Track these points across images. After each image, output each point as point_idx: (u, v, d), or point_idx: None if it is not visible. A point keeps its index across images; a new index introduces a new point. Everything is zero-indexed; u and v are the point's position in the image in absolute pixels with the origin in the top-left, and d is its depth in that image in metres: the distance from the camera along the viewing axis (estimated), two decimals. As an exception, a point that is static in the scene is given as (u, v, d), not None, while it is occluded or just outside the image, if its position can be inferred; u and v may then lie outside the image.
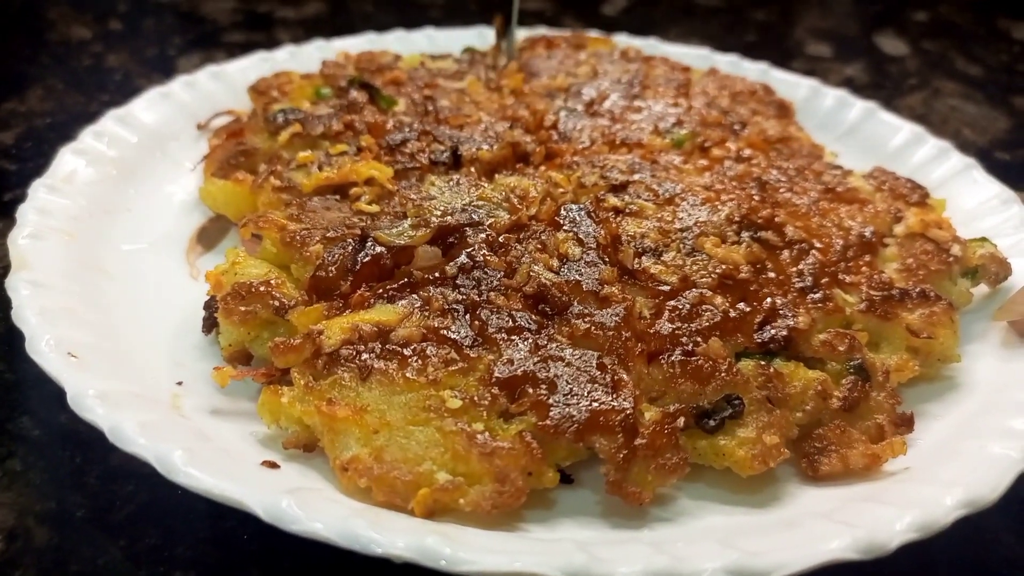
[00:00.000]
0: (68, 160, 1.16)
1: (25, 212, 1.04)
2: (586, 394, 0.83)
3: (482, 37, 1.59)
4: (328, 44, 1.52)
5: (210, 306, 0.97)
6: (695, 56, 1.59)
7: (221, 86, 1.39)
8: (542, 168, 1.14)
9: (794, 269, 1.01)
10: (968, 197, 1.24)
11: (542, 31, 1.61)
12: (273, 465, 0.82)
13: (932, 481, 0.82)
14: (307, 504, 0.73)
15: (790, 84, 1.51)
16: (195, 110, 1.34)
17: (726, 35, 1.95)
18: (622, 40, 1.59)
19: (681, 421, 0.84)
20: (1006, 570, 0.87)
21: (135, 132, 1.26)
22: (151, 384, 0.89)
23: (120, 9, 1.89)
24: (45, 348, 0.85)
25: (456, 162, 1.14)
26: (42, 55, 1.70)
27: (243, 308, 0.91)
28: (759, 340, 0.93)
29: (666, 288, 0.95)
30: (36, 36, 1.76)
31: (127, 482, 0.87)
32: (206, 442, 0.82)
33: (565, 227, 1.01)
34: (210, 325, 0.97)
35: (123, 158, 1.21)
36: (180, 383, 0.91)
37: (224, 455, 0.80)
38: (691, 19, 2.05)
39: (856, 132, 1.43)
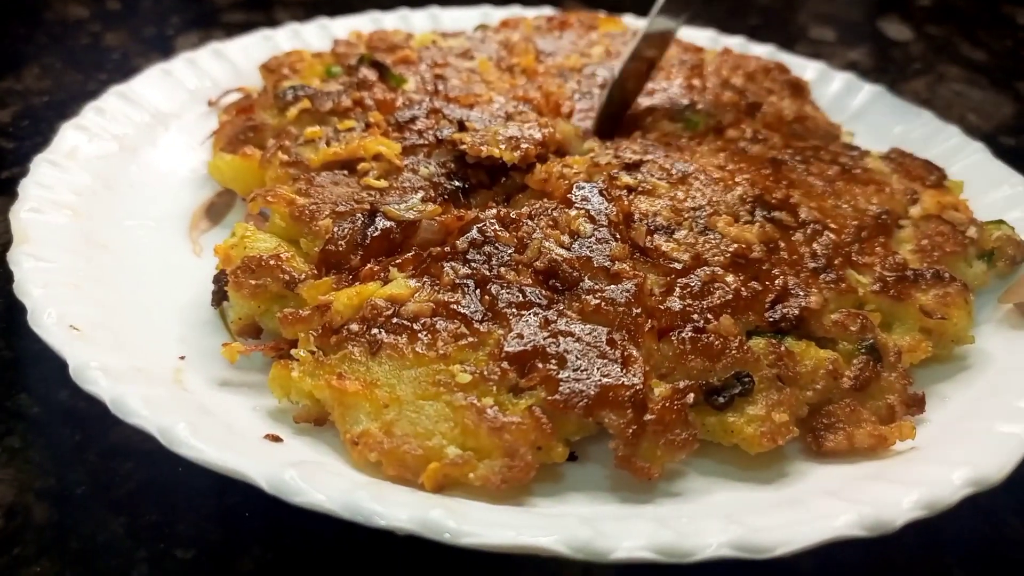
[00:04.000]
0: (70, 135, 1.14)
1: (27, 186, 1.03)
2: (596, 369, 0.83)
3: (486, 16, 1.57)
4: (331, 23, 1.51)
5: (220, 280, 0.96)
6: (702, 38, 1.57)
7: (223, 64, 1.37)
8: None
9: (807, 249, 1.00)
10: (976, 181, 1.23)
11: (548, 12, 1.59)
12: (276, 439, 0.82)
13: (939, 460, 0.82)
14: (310, 476, 0.73)
15: (796, 67, 1.50)
16: (197, 87, 1.32)
17: (730, 19, 1.92)
18: (629, 22, 1.58)
19: (691, 397, 0.84)
20: (1011, 550, 0.87)
21: (137, 108, 1.24)
22: (153, 359, 0.88)
23: (118, -12, 1.87)
24: (48, 321, 0.85)
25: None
26: (39, 34, 1.68)
27: (253, 282, 0.91)
28: (770, 319, 0.92)
29: (678, 266, 0.95)
30: (33, 14, 1.74)
31: (127, 459, 0.86)
32: (209, 416, 0.81)
33: (577, 204, 1.00)
34: (219, 298, 0.96)
35: (125, 134, 1.20)
36: (182, 358, 0.91)
37: (227, 428, 0.80)
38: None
39: (863, 116, 1.42)
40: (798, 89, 1.37)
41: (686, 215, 1.01)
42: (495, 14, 1.58)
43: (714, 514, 0.77)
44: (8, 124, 1.39)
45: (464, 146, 1.08)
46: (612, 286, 0.90)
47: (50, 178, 1.06)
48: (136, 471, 0.86)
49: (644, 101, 1.28)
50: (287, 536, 0.81)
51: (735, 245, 0.97)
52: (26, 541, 0.79)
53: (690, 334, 0.88)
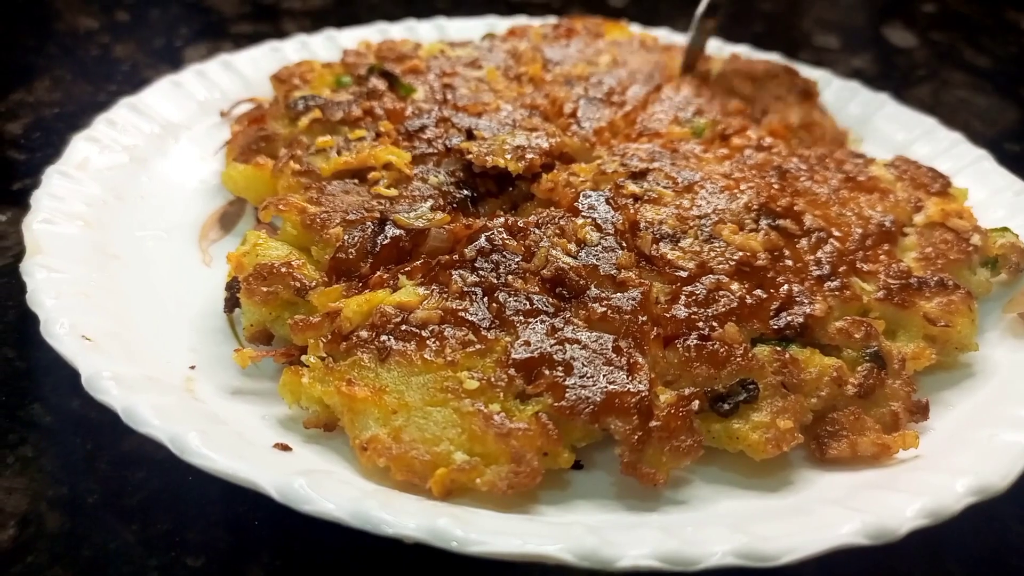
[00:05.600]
0: (81, 147, 1.15)
1: (39, 198, 1.04)
2: (602, 376, 0.84)
3: (491, 26, 1.58)
4: (338, 34, 1.52)
5: (232, 287, 0.98)
6: (707, 47, 1.57)
7: (232, 75, 1.38)
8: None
9: (812, 257, 1.01)
10: (980, 188, 1.23)
11: (553, 21, 1.60)
12: (285, 448, 0.83)
13: (943, 468, 0.83)
14: (319, 485, 0.73)
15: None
16: (207, 98, 1.33)
17: (733, 26, 1.93)
18: (635, 29, 1.58)
19: (696, 404, 0.84)
20: (1015, 558, 0.87)
21: (147, 120, 1.25)
22: (164, 368, 0.89)
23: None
24: (60, 331, 0.85)
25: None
26: (49, 45, 1.69)
27: (265, 288, 0.92)
28: (775, 326, 0.93)
29: (683, 274, 0.95)
30: (43, 26, 1.75)
31: (139, 468, 0.87)
32: (219, 425, 0.82)
33: (584, 213, 1.01)
34: (231, 305, 0.98)
35: (136, 145, 1.21)
36: (193, 367, 0.92)
37: (237, 437, 0.81)
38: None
39: (866, 123, 1.42)
40: (806, 94, 1.38)
41: (691, 223, 1.02)
42: (500, 24, 1.59)
43: (719, 522, 0.78)
44: (19, 136, 1.39)
45: (470, 156, 1.09)
46: (618, 294, 0.91)
47: (62, 189, 1.07)
48: (147, 480, 0.86)
49: (652, 106, 1.29)
50: (296, 543, 0.82)
51: (740, 253, 0.98)
52: (39, 550, 0.80)
53: (695, 342, 0.89)
